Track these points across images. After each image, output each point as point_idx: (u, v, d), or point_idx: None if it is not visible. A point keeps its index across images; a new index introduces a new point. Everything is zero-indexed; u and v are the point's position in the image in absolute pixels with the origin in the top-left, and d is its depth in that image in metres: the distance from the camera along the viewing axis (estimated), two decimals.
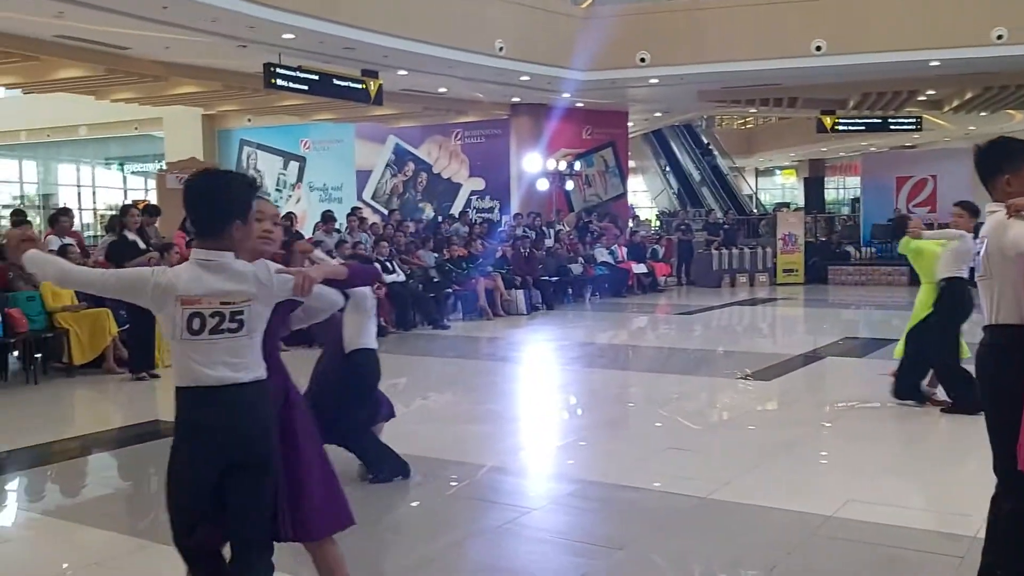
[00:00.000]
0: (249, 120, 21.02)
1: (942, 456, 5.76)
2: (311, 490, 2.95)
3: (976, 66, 15.25)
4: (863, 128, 20.66)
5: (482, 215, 18.79)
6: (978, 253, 3.27)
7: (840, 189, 38.37)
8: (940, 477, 5.33)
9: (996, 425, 3.16)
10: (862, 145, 29.16)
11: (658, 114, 22.39)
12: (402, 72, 14.78)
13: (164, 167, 16.59)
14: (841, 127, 19.99)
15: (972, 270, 3.54)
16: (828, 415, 7.03)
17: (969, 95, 19.06)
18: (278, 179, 21.73)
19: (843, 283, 18.17)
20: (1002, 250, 3.06)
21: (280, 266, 2.84)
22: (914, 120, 20.34)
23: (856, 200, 25.42)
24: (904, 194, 19.09)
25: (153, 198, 16.88)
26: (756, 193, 34.71)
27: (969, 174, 14.20)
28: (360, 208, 16.77)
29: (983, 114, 22.09)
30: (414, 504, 5.03)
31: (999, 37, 13.74)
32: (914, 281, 17.25)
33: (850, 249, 19.77)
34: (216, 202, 2.73)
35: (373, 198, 20.81)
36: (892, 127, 20.58)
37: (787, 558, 3.97)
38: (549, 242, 16.30)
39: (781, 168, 41.39)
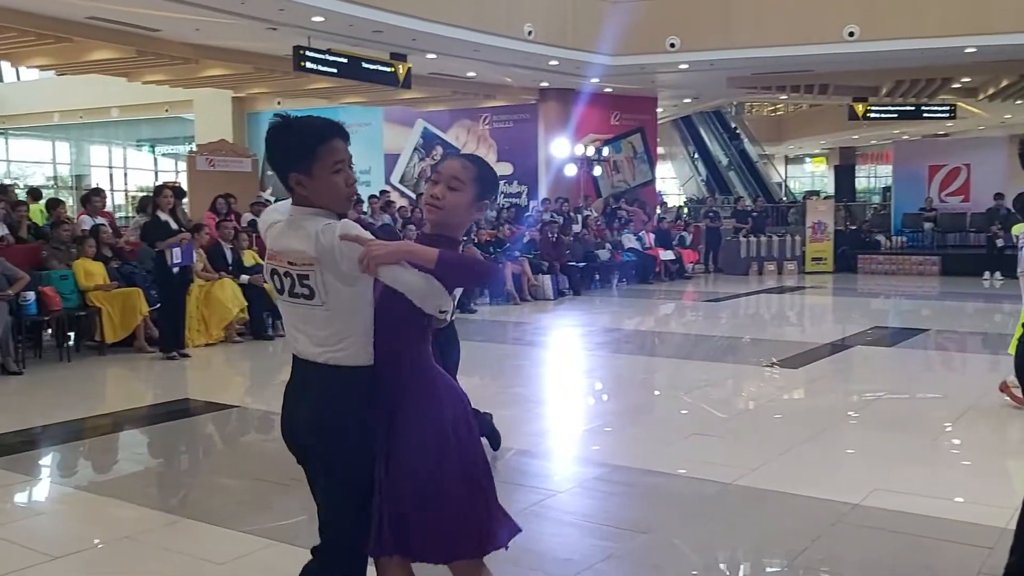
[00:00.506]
0: (279, 103, 21.11)
1: (972, 447, 5.70)
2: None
3: (1013, 53, 14.98)
4: (895, 116, 20.38)
5: (510, 200, 18.78)
6: (1020, 248, 3.23)
7: (871, 177, 37.92)
8: (969, 468, 5.28)
9: None
10: (894, 133, 28.78)
11: (687, 100, 22.23)
12: (431, 56, 14.78)
13: (194, 149, 16.71)
14: (873, 114, 19.73)
15: None
16: (855, 404, 6.98)
17: (1005, 83, 18.73)
18: None
19: (873, 272, 17.99)
20: None
21: (356, 231, 2.36)
22: (948, 108, 20.04)
23: (887, 189, 25.14)
24: (937, 183, 18.85)
25: (183, 180, 17.01)
26: (785, 181, 34.39)
27: (1005, 163, 14.06)
28: (388, 191, 16.82)
29: (1019, 102, 21.70)
30: None
31: None
32: (947, 271, 17.16)
33: (880, 238, 19.56)
34: (272, 152, 2.46)
35: (401, 182, 20.86)
36: (925, 115, 20.29)
37: (812, 545, 3.96)
38: (577, 227, 16.28)
39: (811, 156, 40.95)
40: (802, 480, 4.82)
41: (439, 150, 20.68)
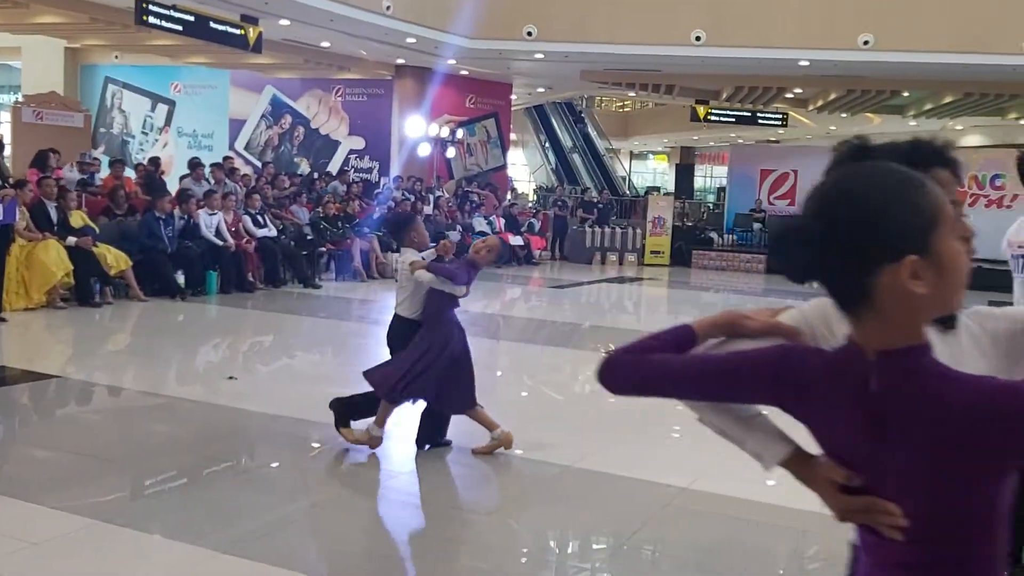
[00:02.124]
0: (116, 57, 19.83)
1: (792, 433, 6.10)
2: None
3: (842, 69, 16.07)
4: (733, 120, 21.44)
5: (361, 175, 18.46)
6: (1014, 256, 3.53)
7: (708, 177, 39.77)
8: None
9: None
10: (731, 136, 30.31)
11: (541, 89, 22.54)
12: (284, 22, 14.27)
13: (20, 99, 15.46)
14: (713, 117, 20.68)
15: None
16: None
17: (833, 96, 20.09)
18: (144, 121, 20.63)
19: (705, 267, 18.89)
20: None
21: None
22: (781, 116, 21.28)
23: (722, 189, 26.40)
24: (767, 186, 19.95)
25: (6, 131, 15.71)
26: (630, 175, 35.54)
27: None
28: (231, 158, 16.17)
29: (843, 115, 23.35)
30: (275, 465, 4.95)
31: (865, 43, 14.52)
32: (772, 270, 18.23)
33: (714, 235, 20.54)
34: None
35: (246, 149, 20.08)
36: (760, 121, 21.45)
37: (642, 527, 4.14)
38: (428, 208, 16.21)
39: (654, 153, 42.54)
40: (635, 464, 5.03)
41: (288, 119, 20.06)
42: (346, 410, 5.06)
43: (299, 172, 17.92)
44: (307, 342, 9.13)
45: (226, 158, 15.35)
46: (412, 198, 15.77)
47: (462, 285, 5.00)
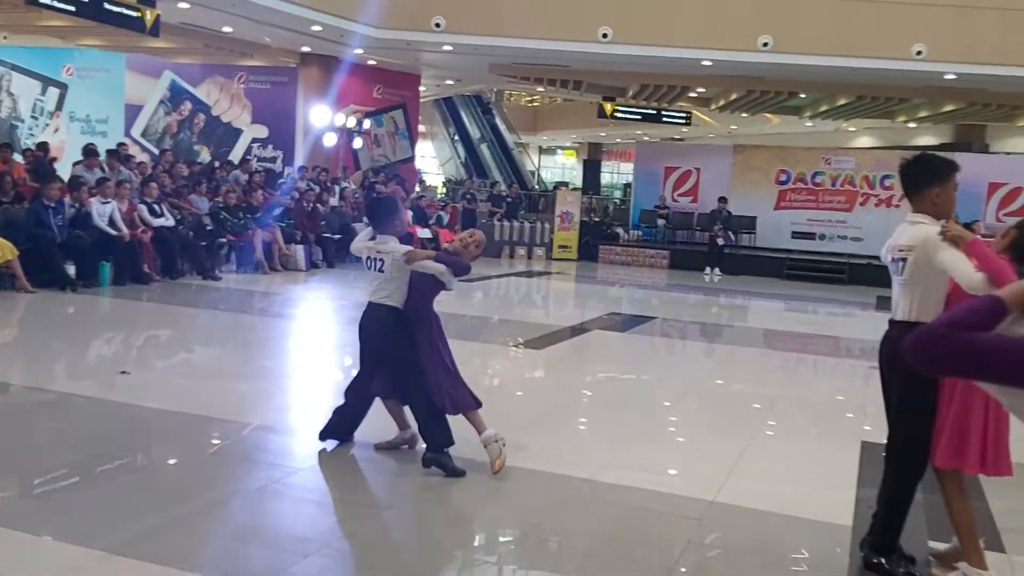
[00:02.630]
0: (5, 38, 18.83)
1: (688, 426, 6.26)
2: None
3: (742, 69, 16.53)
4: (639, 117, 21.81)
5: (264, 164, 18.03)
6: (894, 260, 3.65)
7: (615, 173, 40.40)
8: (685, 444, 5.80)
9: (904, 408, 3.62)
10: (637, 133, 30.84)
11: (450, 82, 22.46)
12: (183, 5, 13.82)
13: None
14: (620, 114, 21.01)
15: None
16: (590, 384, 7.44)
17: (734, 96, 20.66)
18: (34, 105, 19.65)
19: (612, 262, 19.19)
20: (931, 263, 3.46)
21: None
22: (685, 115, 21.74)
23: (628, 185, 26.88)
24: (671, 183, 20.37)
25: None
26: (538, 170, 35.78)
27: (729, 170, 15.40)
28: (126, 145, 15.58)
29: (744, 115, 24.03)
30: (171, 462, 4.81)
31: (764, 44, 14.97)
32: (675, 265, 18.68)
33: (620, 231, 20.89)
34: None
35: (143, 135, 19.37)
36: (665, 119, 21.87)
37: (545, 519, 4.17)
38: (334, 199, 15.97)
39: (563, 148, 42.94)
40: (541, 456, 5.06)
41: (188, 105, 19.44)
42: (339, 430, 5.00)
43: (199, 160, 17.40)
44: (206, 336, 8.89)
45: (121, 144, 14.78)
46: (317, 189, 15.51)
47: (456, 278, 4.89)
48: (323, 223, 14.66)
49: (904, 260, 3.60)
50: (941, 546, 3.92)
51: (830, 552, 3.98)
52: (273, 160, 18.71)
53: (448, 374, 4.78)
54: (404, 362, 4.77)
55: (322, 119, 18.04)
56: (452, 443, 4.68)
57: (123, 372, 6.55)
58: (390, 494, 4.42)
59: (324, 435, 4.99)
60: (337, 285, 12.86)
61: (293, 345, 8.81)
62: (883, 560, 3.68)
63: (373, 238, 5.00)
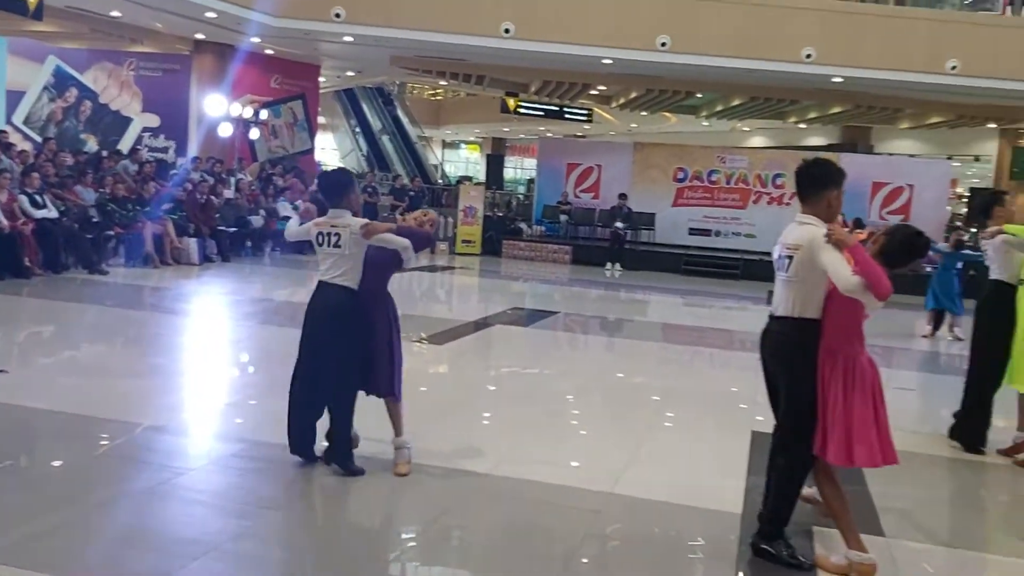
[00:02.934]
0: None
1: (588, 419, 6.33)
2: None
3: (642, 69, 16.82)
4: (542, 113, 21.99)
5: (155, 155, 17.39)
6: (781, 257, 3.78)
7: (518, 169, 40.59)
8: (585, 437, 5.86)
9: (791, 396, 3.78)
10: (540, 129, 31.05)
11: (351, 73, 22.13)
12: None
13: None
14: (523, 110, 21.12)
15: None
16: (493, 379, 7.44)
17: (634, 94, 21.03)
18: None
19: (515, 257, 19.26)
20: (814, 263, 3.62)
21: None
22: (586, 112, 22.01)
23: (532, 180, 27.03)
24: (573, 179, 20.58)
25: None
26: (442, 164, 35.65)
27: (630, 167, 15.60)
28: (6, 132, 14.77)
29: (644, 114, 24.50)
30: (56, 464, 4.58)
31: (663, 44, 15.27)
32: (577, 260, 18.91)
33: (523, 226, 20.99)
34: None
35: (25, 123, 18.40)
36: (567, 116, 22.10)
37: (445, 514, 4.15)
38: (229, 192, 15.51)
39: (466, 142, 42.89)
40: (440, 452, 5.04)
41: (74, 92, 18.56)
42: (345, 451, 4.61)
43: (85, 149, 16.65)
44: (92, 332, 8.51)
45: (1, 132, 14.01)
46: (211, 180, 15.06)
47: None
48: (218, 216, 14.23)
49: (791, 258, 3.74)
50: (808, 490, 4.14)
51: (722, 539, 4.09)
52: (165, 150, 18.07)
53: (400, 361, 4.70)
54: (357, 349, 4.52)
55: (217, 109, 17.51)
56: (357, 444, 4.58)
57: (1, 371, 6.21)
58: (286, 493, 4.31)
59: (295, 450, 4.62)
60: (232, 280, 12.51)
61: (185, 342, 8.52)
62: (770, 547, 3.81)
63: (323, 214, 4.68)
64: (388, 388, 4.68)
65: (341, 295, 4.52)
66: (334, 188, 4.72)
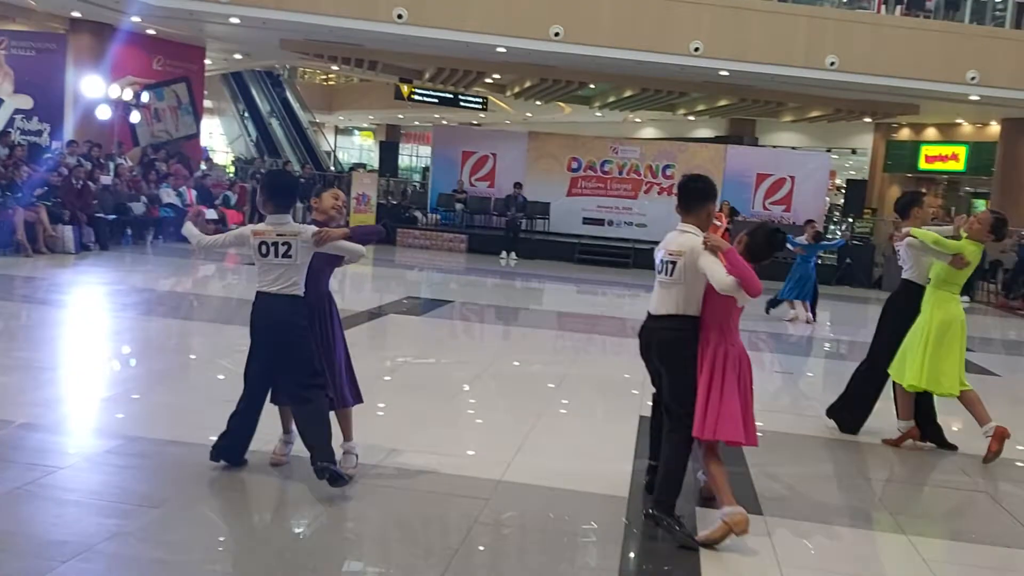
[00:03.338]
0: None
1: (483, 407, 6.33)
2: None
3: (535, 58, 16.89)
4: (436, 101, 21.85)
5: (28, 138, 16.47)
6: (664, 261, 4.18)
7: (413, 156, 40.25)
8: (480, 426, 5.86)
9: (676, 384, 4.12)
10: (435, 117, 30.86)
11: (238, 56, 21.45)
12: None
13: None
14: (417, 97, 20.94)
15: None
16: (387, 369, 7.35)
17: (528, 83, 21.10)
18: None
19: (410, 246, 19.11)
20: (695, 267, 4.02)
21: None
22: (481, 100, 21.98)
23: (427, 168, 26.85)
24: (468, 168, 20.54)
25: None
26: (335, 151, 35.01)
27: (524, 156, 15.67)
28: None
29: (538, 103, 24.63)
30: None
31: (556, 34, 15.36)
32: (473, 249, 18.88)
33: (418, 214, 20.83)
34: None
35: None
36: (462, 104, 22.04)
37: (332, 507, 4.07)
38: (107, 177, 14.83)
39: (360, 129, 42.27)
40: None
41: None
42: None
43: None
44: None
45: None
46: (88, 165, 14.37)
47: None
48: (95, 202, 13.58)
49: (674, 263, 4.13)
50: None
51: (611, 522, 4.14)
52: (39, 133, 17.13)
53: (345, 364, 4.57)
54: (311, 355, 4.28)
55: (95, 90, 16.69)
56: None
57: None
58: (163, 491, 4.14)
59: (217, 455, 4.37)
60: (111, 269, 11.96)
61: (60, 334, 8.09)
62: (664, 518, 3.94)
63: (259, 220, 4.36)
64: (342, 400, 4.52)
65: (290, 306, 4.26)
66: (286, 191, 4.45)
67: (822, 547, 4.17)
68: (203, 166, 19.75)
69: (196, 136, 20.07)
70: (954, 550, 4.33)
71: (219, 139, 30.94)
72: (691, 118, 25.65)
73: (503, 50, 16.21)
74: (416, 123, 36.02)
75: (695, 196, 4.20)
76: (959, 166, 23.47)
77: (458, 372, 7.31)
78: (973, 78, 15.93)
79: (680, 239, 4.14)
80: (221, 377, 6.55)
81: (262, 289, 4.30)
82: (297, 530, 3.88)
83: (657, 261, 4.26)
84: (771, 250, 4.21)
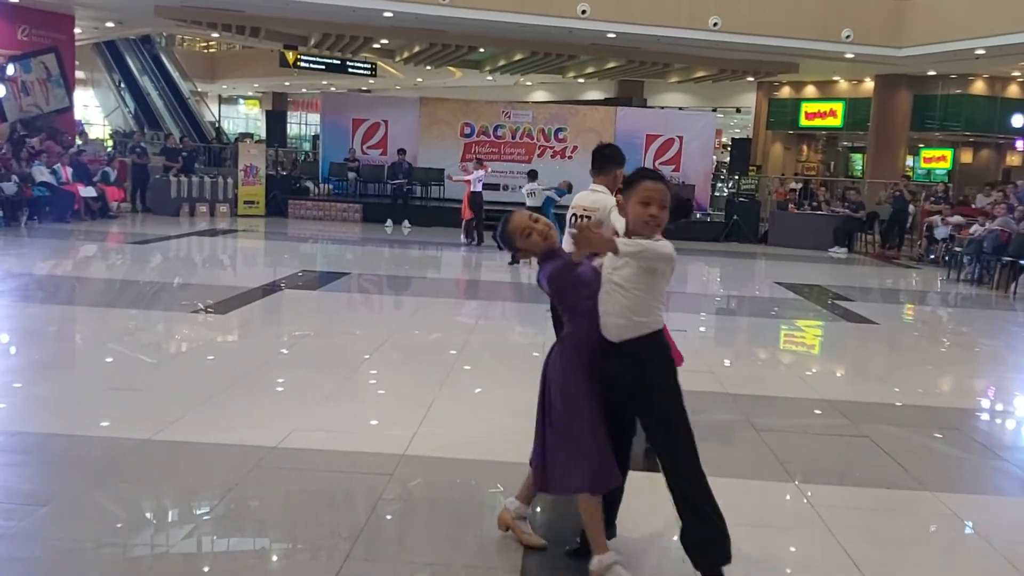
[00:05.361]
0: None
1: (385, 381, 6.28)
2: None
3: (423, 22, 16.66)
4: (323, 67, 21.31)
5: None
6: (576, 216, 4.63)
7: (302, 125, 39.28)
8: (382, 399, 5.81)
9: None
10: (323, 84, 30.13)
11: (110, 24, 20.42)
12: None
13: None
14: (303, 64, 20.37)
15: None
16: (283, 346, 7.21)
17: (417, 48, 20.81)
18: None
19: (302, 217, 18.71)
20: (607, 221, 4.25)
21: None
22: (370, 66, 21.57)
23: (317, 137, 26.25)
24: (360, 135, 20.17)
25: None
26: (219, 121, 33.83)
27: (416, 123, 15.51)
28: None
29: (428, 68, 24.34)
30: None
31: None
32: (368, 218, 18.58)
33: (310, 185, 20.38)
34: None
35: None
36: (350, 70, 21.58)
37: (228, 493, 3.97)
38: None
39: (245, 98, 40.96)
40: (226, 426, 4.82)
41: None
42: None
43: None
44: None
45: None
46: None
47: None
48: None
49: (588, 218, 4.48)
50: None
51: (517, 488, 4.18)
52: None
53: None
54: None
55: None
56: None
57: None
58: (50, 487, 3.96)
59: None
60: None
61: None
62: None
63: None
64: None
65: None
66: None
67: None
68: (78, 141, 18.79)
69: (69, 109, 19.07)
70: (840, 494, 4.56)
71: (95, 112, 29.48)
72: (581, 80, 25.82)
73: (390, 15, 15.92)
74: (304, 90, 35.12)
75: (606, 160, 4.71)
76: (837, 122, 24.44)
77: (358, 345, 7.23)
78: (848, 36, 16.54)
79: (593, 196, 4.65)
80: (108, 361, 6.30)
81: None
82: (196, 516, 3.79)
83: (568, 215, 4.75)
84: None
